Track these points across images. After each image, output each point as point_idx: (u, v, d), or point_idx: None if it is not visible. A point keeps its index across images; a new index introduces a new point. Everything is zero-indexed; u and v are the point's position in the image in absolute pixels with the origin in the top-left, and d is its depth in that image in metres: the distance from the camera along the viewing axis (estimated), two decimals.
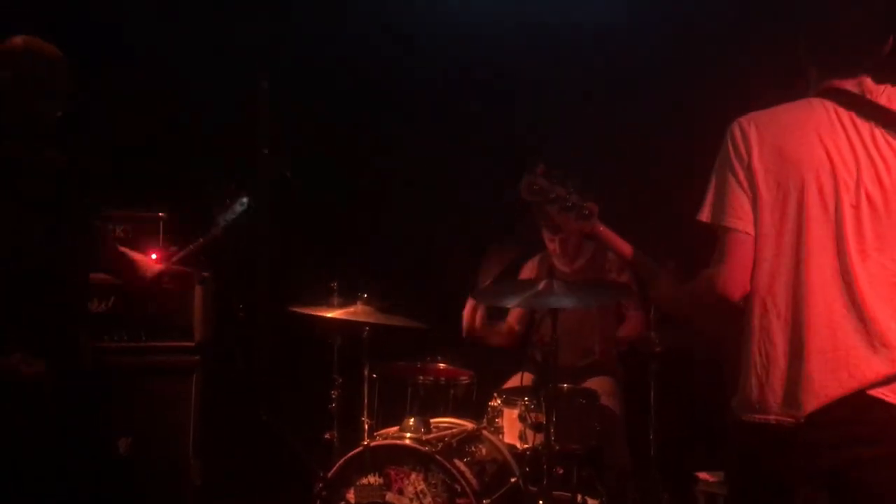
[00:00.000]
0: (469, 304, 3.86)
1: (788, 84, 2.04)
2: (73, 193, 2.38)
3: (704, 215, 1.98)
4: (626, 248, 2.23)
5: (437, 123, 4.38)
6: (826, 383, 1.83)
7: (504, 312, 4.06)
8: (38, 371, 2.20)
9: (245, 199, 2.72)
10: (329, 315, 3.35)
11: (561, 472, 3.24)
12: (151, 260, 2.78)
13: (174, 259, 2.70)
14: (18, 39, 2.29)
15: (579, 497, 3.28)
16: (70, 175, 2.40)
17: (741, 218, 1.93)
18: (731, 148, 1.96)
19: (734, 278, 1.92)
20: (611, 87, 4.18)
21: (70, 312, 2.36)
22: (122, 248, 2.74)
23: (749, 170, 1.93)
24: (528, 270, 4.02)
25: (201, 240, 2.73)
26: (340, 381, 3.52)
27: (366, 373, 3.44)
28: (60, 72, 2.32)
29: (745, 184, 1.94)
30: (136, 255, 2.75)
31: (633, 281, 3.77)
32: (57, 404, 2.26)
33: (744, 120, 1.98)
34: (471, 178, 4.35)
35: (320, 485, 3.20)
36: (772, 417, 1.87)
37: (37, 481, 2.21)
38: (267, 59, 4.19)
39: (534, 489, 3.24)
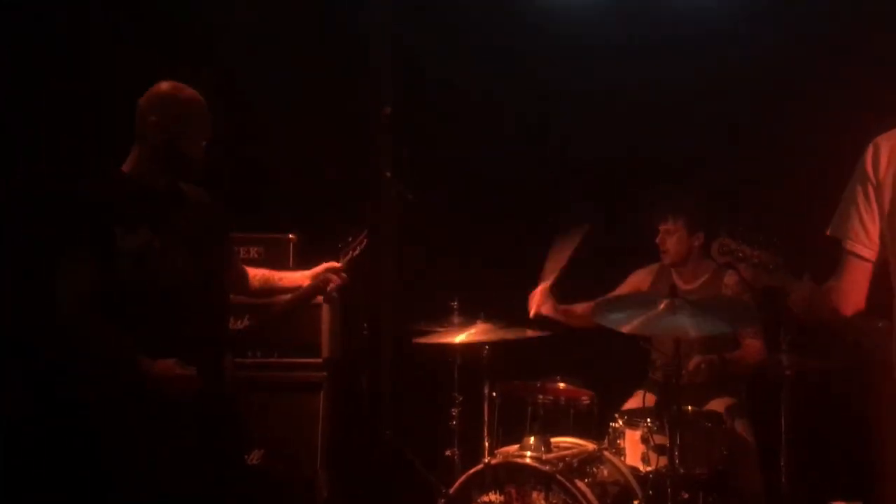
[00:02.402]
0: (539, 289, 3.76)
1: None
2: (216, 224, 2.57)
3: (830, 230, 2.15)
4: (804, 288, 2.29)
5: (560, 144, 4.40)
6: None
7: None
8: (191, 374, 2.34)
9: (365, 233, 2.80)
10: (450, 341, 3.41)
11: (686, 496, 3.16)
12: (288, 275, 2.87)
13: (342, 262, 2.76)
14: (164, 85, 2.48)
15: None
16: (213, 208, 2.60)
17: (860, 241, 2.07)
18: (861, 166, 2.07)
19: (847, 297, 2.10)
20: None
21: (216, 334, 2.51)
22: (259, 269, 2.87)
23: (878, 188, 2.02)
24: (639, 280, 3.95)
25: (349, 255, 2.79)
26: (461, 399, 3.57)
27: (486, 391, 3.47)
28: (200, 114, 2.50)
29: (873, 203, 2.03)
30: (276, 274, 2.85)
31: (753, 305, 3.65)
32: (200, 418, 2.39)
33: (880, 139, 2.05)
34: (590, 198, 4.34)
35: (442, 501, 3.25)
36: None
37: (178, 490, 2.35)
38: (390, 84, 4.33)
39: None
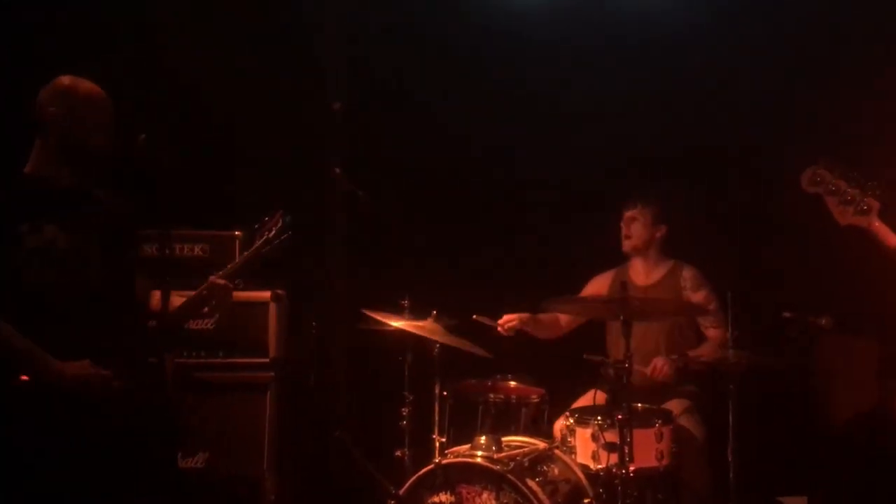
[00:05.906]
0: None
1: None
2: (126, 225, 2.51)
3: None
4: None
5: (510, 138, 4.37)
6: None
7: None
8: (106, 375, 2.28)
9: (286, 218, 2.69)
10: (398, 325, 3.34)
11: (636, 493, 3.16)
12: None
13: (220, 274, 2.65)
14: (65, 78, 2.45)
15: None
16: (123, 208, 2.52)
17: None
18: None
19: None
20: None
21: (127, 330, 2.42)
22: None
23: None
24: (598, 285, 3.96)
25: (241, 258, 2.70)
26: (411, 398, 3.53)
27: (437, 390, 3.43)
28: (101, 107, 2.45)
29: None
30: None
31: (712, 299, 3.67)
32: (121, 416, 2.31)
33: None
34: (545, 199, 4.33)
35: (392, 502, 3.21)
36: None
37: (104, 493, 2.27)
38: (341, 79, 4.27)
39: None
